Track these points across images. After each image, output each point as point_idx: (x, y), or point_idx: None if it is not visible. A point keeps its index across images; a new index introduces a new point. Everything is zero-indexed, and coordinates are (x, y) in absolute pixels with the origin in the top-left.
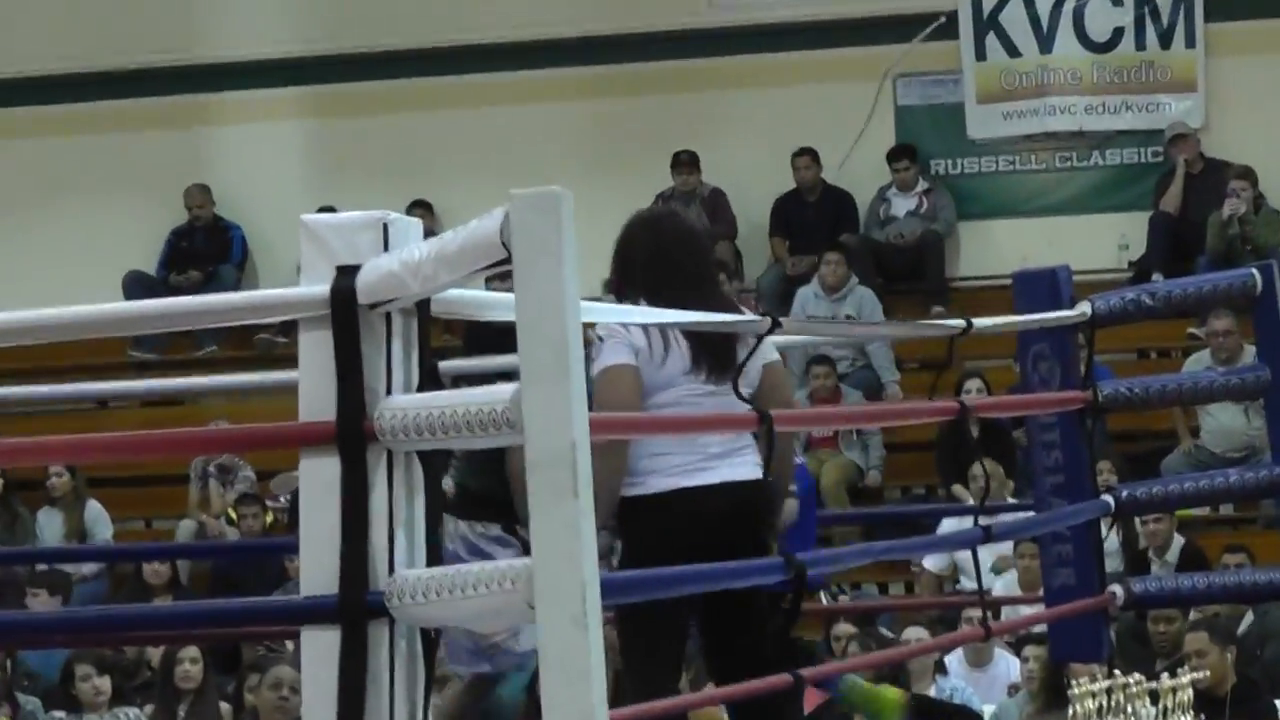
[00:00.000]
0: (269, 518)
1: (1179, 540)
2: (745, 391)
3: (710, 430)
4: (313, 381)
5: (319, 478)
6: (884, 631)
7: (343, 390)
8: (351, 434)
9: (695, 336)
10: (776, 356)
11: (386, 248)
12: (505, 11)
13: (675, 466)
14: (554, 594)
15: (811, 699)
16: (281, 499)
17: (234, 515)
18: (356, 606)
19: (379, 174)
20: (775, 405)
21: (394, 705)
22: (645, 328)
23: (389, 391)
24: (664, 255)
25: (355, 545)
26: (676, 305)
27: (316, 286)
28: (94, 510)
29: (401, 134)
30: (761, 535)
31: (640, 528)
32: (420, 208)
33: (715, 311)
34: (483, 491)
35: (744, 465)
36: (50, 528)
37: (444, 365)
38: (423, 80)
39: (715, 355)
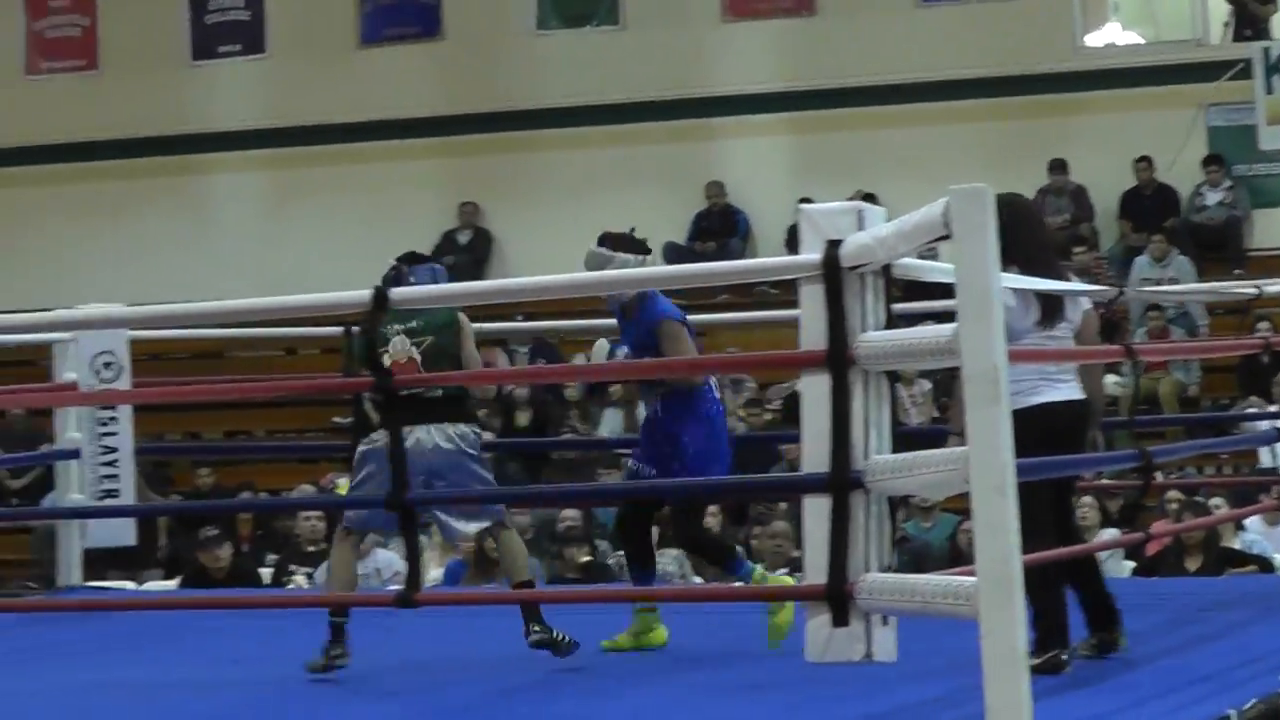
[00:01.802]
0: (766, 416)
1: None
2: (1069, 333)
3: (1074, 360)
4: (810, 322)
5: (815, 390)
6: (1199, 499)
7: (831, 328)
8: (838, 359)
9: (1043, 296)
10: (1090, 305)
11: (860, 228)
12: (928, 58)
13: (1034, 386)
14: (983, 471)
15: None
16: (775, 402)
17: (742, 414)
18: (843, 481)
19: (837, 174)
20: (1087, 343)
21: (869, 552)
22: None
23: (863, 329)
24: (1026, 229)
25: (841, 437)
26: (1038, 269)
27: (813, 255)
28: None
29: (854, 146)
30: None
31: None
32: (865, 198)
33: (1051, 272)
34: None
35: (1070, 388)
36: (612, 422)
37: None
38: (870, 109)
39: (1054, 309)
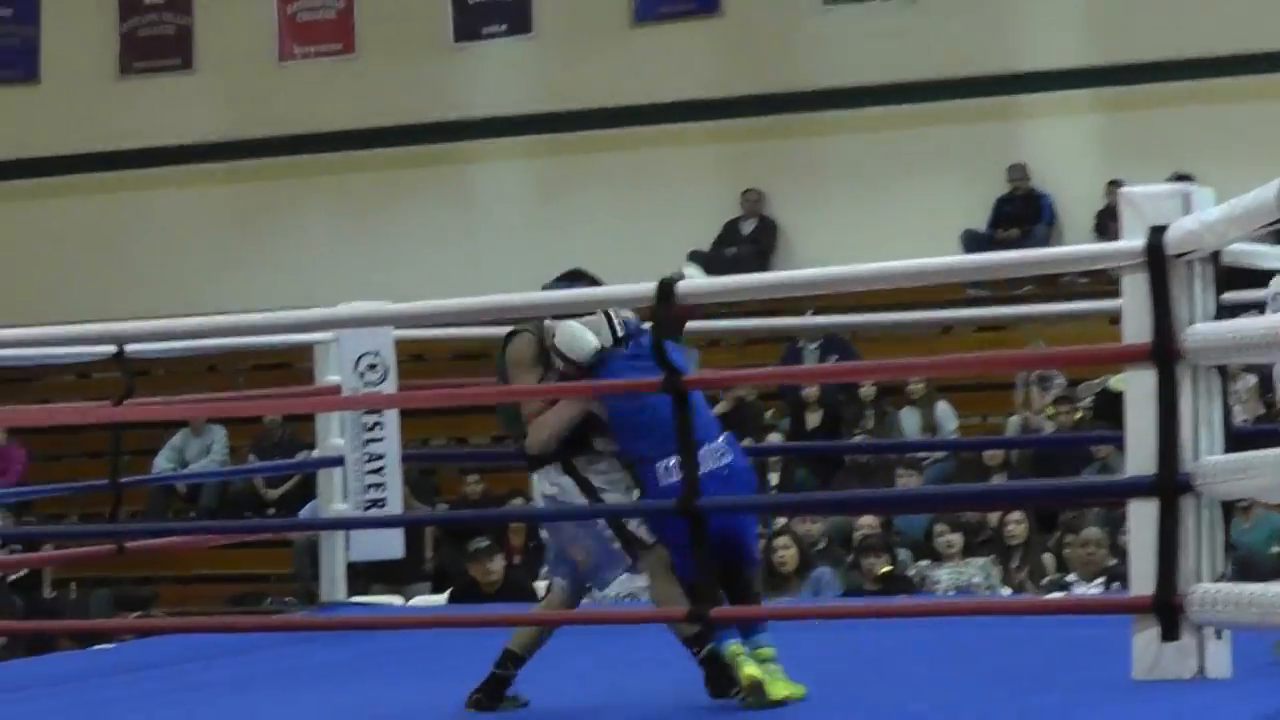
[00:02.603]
0: (1077, 415)
1: None
2: None
3: None
4: (1133, 313)
5: (1140, 386)
6: None
7: (1157, 320)
8: (1164, 353)
9: None
10: None
11: (1186, 212)
12: (1249, 28)
13: None
14: None
15: None
16: (1086, 400)
17: (1050, 413)
18: (1170, 484)
19: (1150, 154)
20: None
21: (1200, 561)
22: None
23: (1191, 321)
24: None
25: (1168, 437)
26: None
27: (1135, 241)
28: (943, 409)
29: (1168, 124)
30: None
31: None
32: (1181, 179)
33: None
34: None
35: None
36: (909, 422)
37: None
38: (1186, 84)
39: None
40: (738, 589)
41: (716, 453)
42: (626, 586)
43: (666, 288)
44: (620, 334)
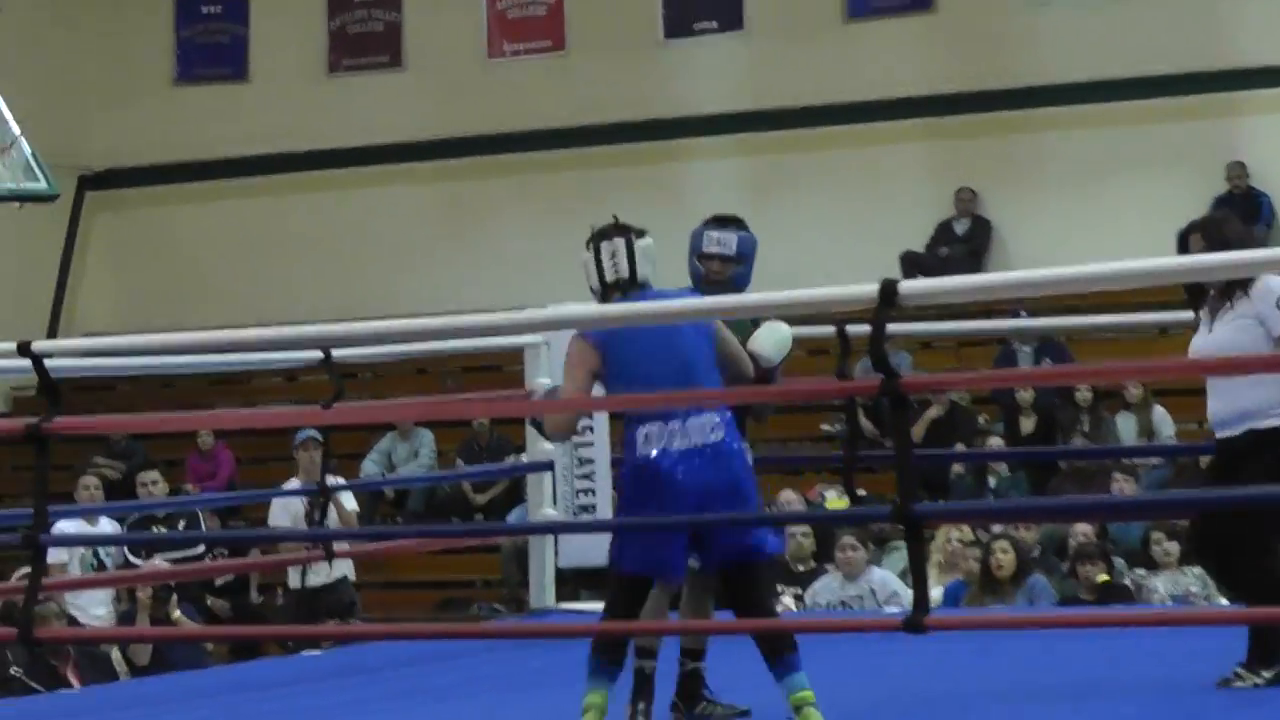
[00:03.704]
0: None
1: None
2: None
3: None
4: None
5: None
6: None
7: None
8: None
9: None
10: None
11: None
12: None
13: None
14: None
15: None
16: None
17: None
18: None
19: None
20: None
21: None
22: None
23: None
24: None
25: None
26: None
27: None
28: (1160, 414)
29: None
30: None
31: None
32: None
33: None
34: None
35: None
36: (1125, 427)
37: None
38: None
39: None
40: (738, 592)
41: (703, 427)
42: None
43: (889, 289)
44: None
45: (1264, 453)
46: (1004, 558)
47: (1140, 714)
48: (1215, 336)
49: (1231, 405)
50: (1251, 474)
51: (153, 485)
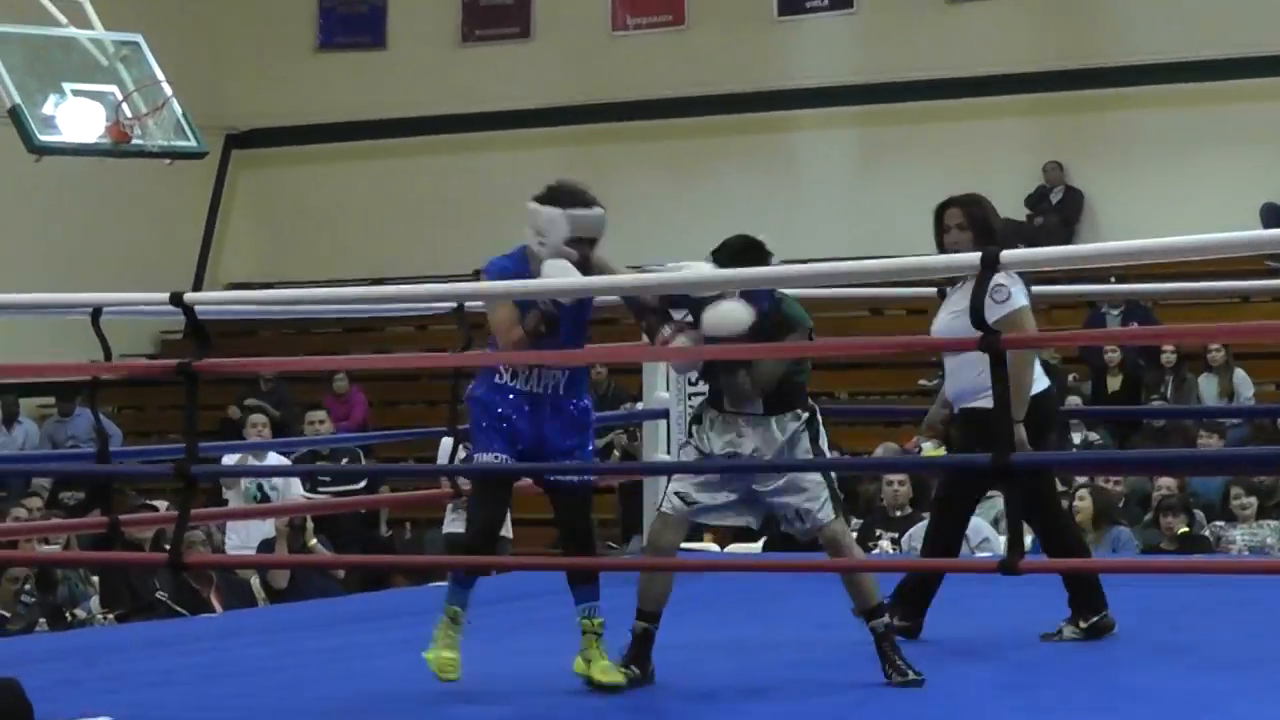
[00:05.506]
0: None
1: None
2: None
3: None
4: None
5: None
6: None
7: None
8: None
9: None
10: None
11: None
12: None
13: None
14: None
15: None
16: None
17: None
18: None
19: None
20: None
21: None
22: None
23: None
24: None
25: None
26: None
27: None
28: (1240, 376)
29: None
30: None
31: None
32: None
33: None
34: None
35: None
36: (1208, 388)
37: None
38: None
39: None
40: (563, 526)
41: (550, 380)
42: None
43: (992, 256)
44: None
45: None
46: (1081, 504)
47: (1206, 663)
48: None
49: None
50: None
51: (319, 424)
